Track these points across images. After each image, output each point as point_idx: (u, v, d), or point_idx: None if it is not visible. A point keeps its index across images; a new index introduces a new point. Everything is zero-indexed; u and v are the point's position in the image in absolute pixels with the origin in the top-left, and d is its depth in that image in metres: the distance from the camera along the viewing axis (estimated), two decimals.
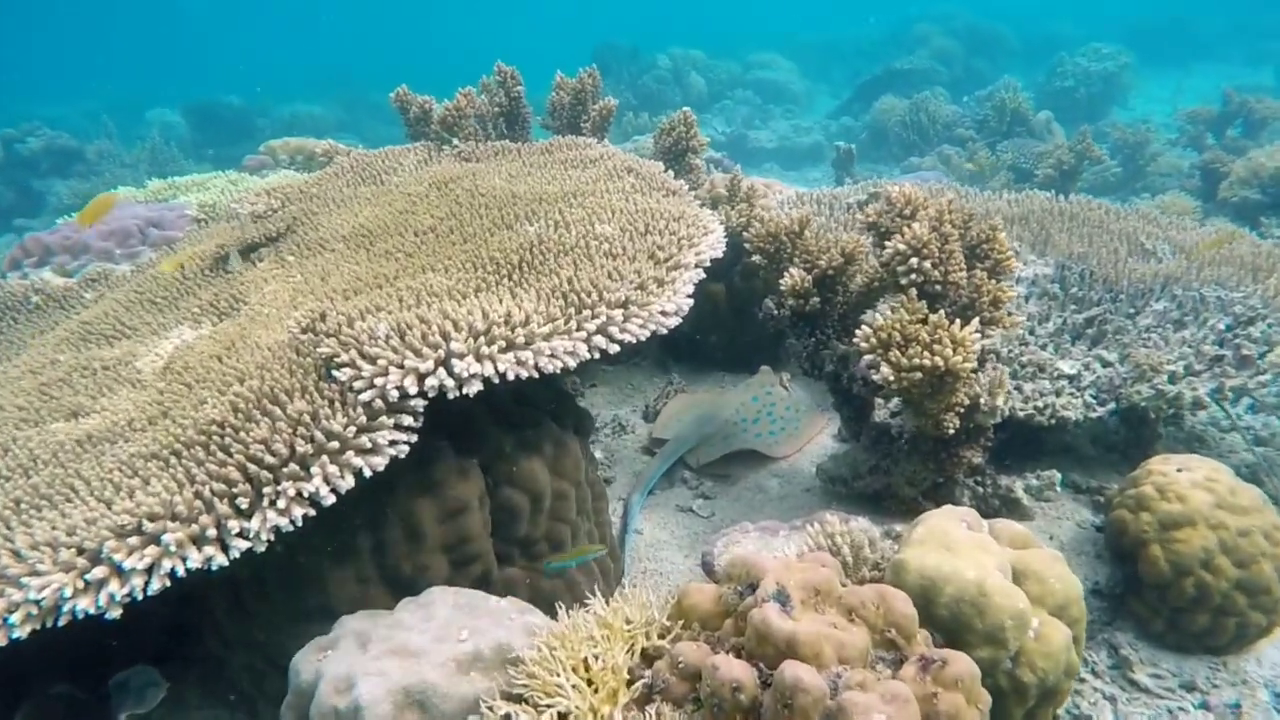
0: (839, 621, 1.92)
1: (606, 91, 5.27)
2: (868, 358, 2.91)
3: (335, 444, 2.25)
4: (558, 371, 2.53)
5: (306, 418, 2.29)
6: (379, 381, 2.34)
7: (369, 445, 2.29)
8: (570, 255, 3.04)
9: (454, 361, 2.39)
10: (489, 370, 2.41)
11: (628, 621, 2.12)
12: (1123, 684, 3.04)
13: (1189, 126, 10.72)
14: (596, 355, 2.64)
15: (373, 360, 2.40)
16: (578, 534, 3.00)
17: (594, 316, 2.64)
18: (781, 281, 3.52)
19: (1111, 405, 3.61)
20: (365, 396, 2.33)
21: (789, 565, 2.05)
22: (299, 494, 2.16)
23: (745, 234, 3.90)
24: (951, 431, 3.04)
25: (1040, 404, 3.48)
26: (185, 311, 3.55)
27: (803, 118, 16.71)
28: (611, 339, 2.65)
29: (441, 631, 2.21)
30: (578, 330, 2.60)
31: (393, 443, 2.34)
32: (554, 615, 2.28)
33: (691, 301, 2.98)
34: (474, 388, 2.40)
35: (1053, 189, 5.73)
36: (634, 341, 2.70)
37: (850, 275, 3.51)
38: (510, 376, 2.45)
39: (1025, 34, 21.17)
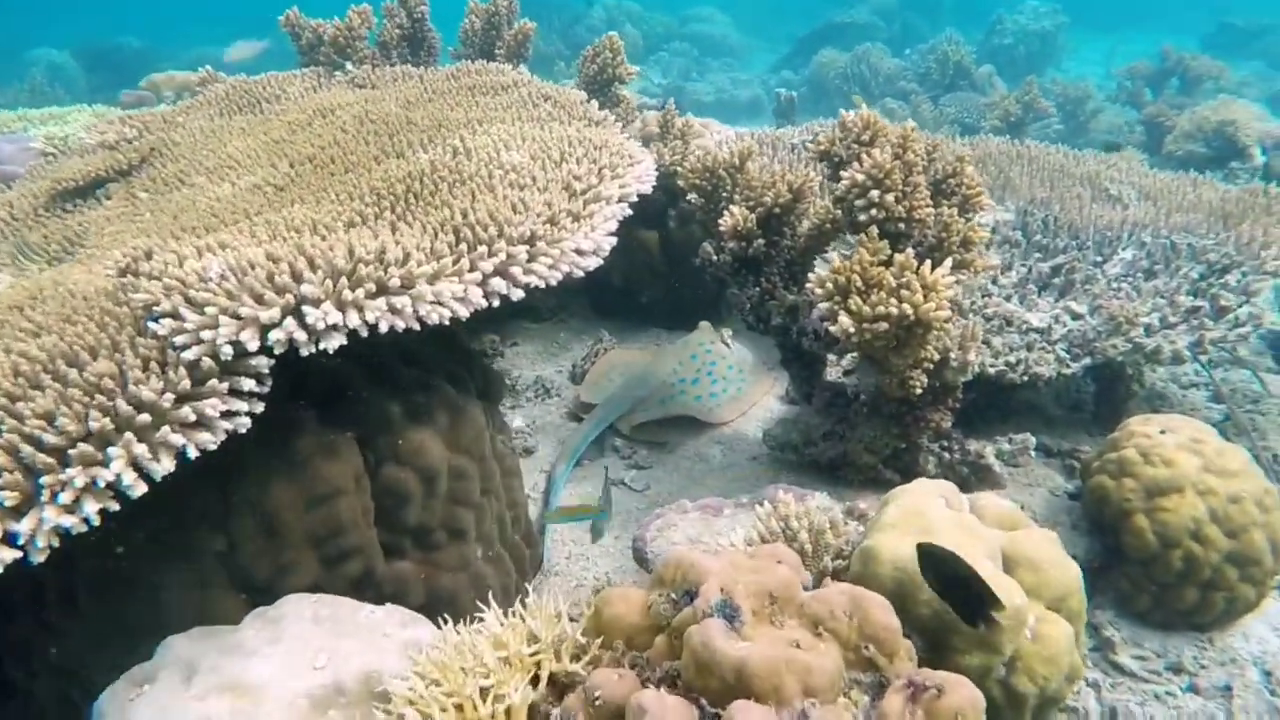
0: (803, 638, 1.48)
1: (537, 41, 4.71)
2: (822, 306, 2.46)
3: (146, 417, 1.71)
4: (445, 322, 2.02)
5: (109, 383, 1.74)
6: (207, 335, 1.80)
7: (193, 418, 1.75)
8: (468, 186, 2.52)
9: (307, 309, 1.86)
10: (354, 320, 1.89)
11: (532, 639, 1.64)
12: (1105, 668, 2.72)
13: (1128, 82, 10.54)
14: (495, 302, 2.14)
15: (201, 308, 1.85)
16: (483, 518, 2.51)
17: (491, 254, 2.14)
18: (720, 221, 3.05)
19: (1086, 360, 3.24)
20: (190, 355, 1.80)
21: (736, 564, 1.60)
22: (91, 484, 1.62)
23: (679, 169, 3.41)
24: (919, 391, 2.63)
25: (1012, 359, 3.09)
26: (4, 256, 2.93)
27: (741, 71, 16.20)
28: (514, 282, 2.15)
29: (293, 656, 1.71)
30: (470, 271, 2.09)
31: (229, 414, 1.82)
32: (458, 620, 1.80)
33: (614, 240, 2.49)
34: (334, 342, 1.88)
35: None
36: (542, 286, 2.21)
37: (798, 215, 3.05)
38: (384, 328, 1.93)
39: None
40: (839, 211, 3.00)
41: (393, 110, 3.38)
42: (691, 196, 3.32)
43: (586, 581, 2.91)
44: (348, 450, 2.19)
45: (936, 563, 1.69)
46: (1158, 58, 11.02)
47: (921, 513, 2.00)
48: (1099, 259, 3.82)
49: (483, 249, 2.12)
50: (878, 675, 1.48)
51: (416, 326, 1.99)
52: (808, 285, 2.50)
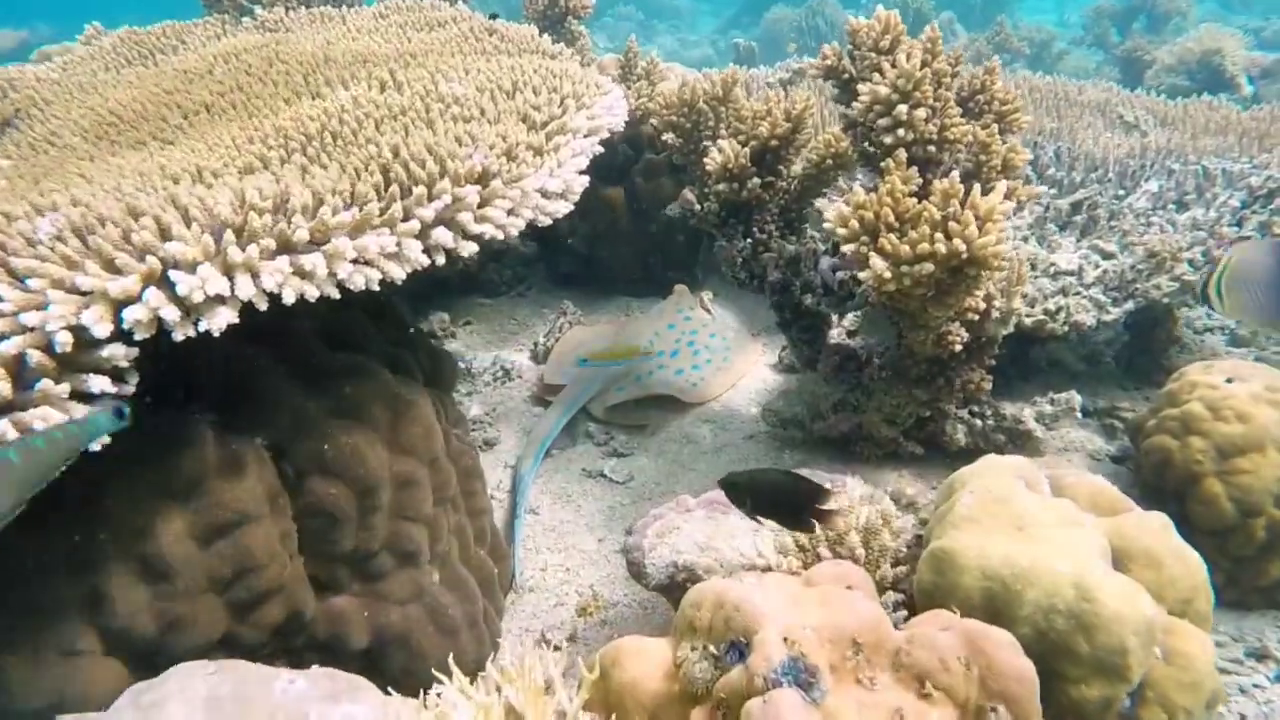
0: (907, 703, 1.02)
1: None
2: (847, 248, 2.00)
3: None
4: (374, 287, 1.52)
5: None
6: (33, 319, 1.28)
7: (14, 435, 1.24)
8: (400, 121, 2.01)
9: (178, 276, 1.35)
10: (246, 289, 1.38)
11: (512, 716, 1.17)
12: None
13: (1094, 23, 10.21)
14: (440, 259, 1.65)
15: (23, 281, 1.33)
16: (439, 533, 2.02)
17: (432, 198, 1.64)
18: (707, 160, 2.57)
19: (1129, 305, 2.84)
20: (8, 348, 1.27)
21: (795, 597, 1.14)
22: None
23: (650, 106, 2.92)
24: (959, 348, 2.19)
25: (1051, 306, 2.67)
26: None
27: (689, 33, 15.68)
28: (463, 233, 1.66)
29: None
30: (405, 220, 1.59)
31: None
32: (413, 669, 1.32)
33: (585, 182, 2.00)
34: (221, 320, 1.37)
35: None
36: (500, 238, 1.72)
37: (796, 148, 2.59)
38: (289, 297, 1.43)
39: None
40: (847, 143, 2.53)
41: (308, 49, 2.83)
42: (667, 137, 2.83)
43: (568, 598, 2.44)
44: (257, 463, 1.69)
45: (742, 490, 1.55)
46: None
47: (1005, 500, 1.56)
48: (1121, 192, 3.42)
49: (420, 191, 1.62)
50: None
51: (335, 294, 1.49)
52: (825, 224, 2.03)
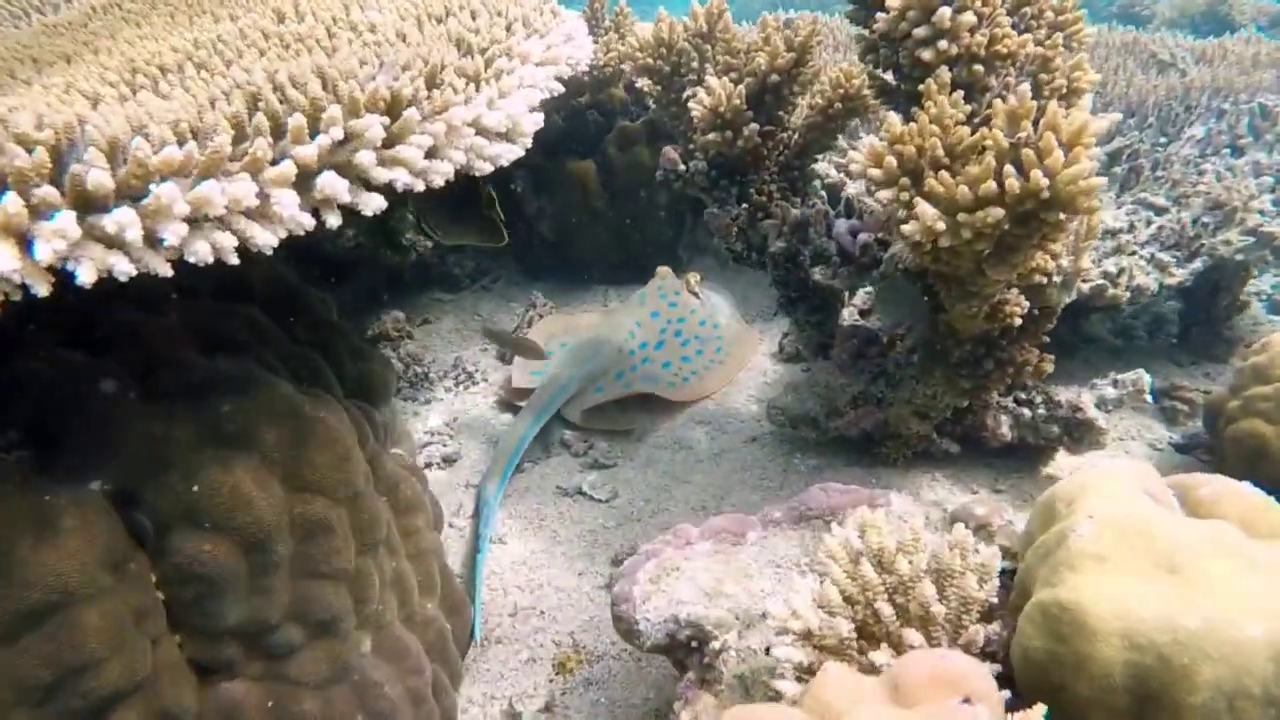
0: None
1: None
2: (883, 195, 1.53)
3: None
4: (229, 259, 1.04)
5: None
6: None
7: None
8: (295, 49, 1.53)
9: None
10: (8, 263, 0.89)
11: None
12: None
13: None
14: (333, 219, 1.17)
15: None
16: (366, 589, 1.54)
17: (318, 130, 1.15)
18: (693, 105, 2.11)
19: (1196, 264, 2.40)
20: None
21: None
22: None
23: (621, 49, 2.45)
24: (1019, 320, 1.74)
25: (1111, 268, 2.23)
26: None
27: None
28: (363, 179, 1.18)
29: None
30: (275, 163, 1.10)
31: None
32: None
33: (539, 121, 1.53)
34: None
35: None
36: (419, 188, 1.24)
37: (803, 84, 2.12)
38: (86, 278, 0.95)
39: None
40: (860, 80, 2.08)
41: None
42: (643, 83, 2.35)
43: (543, 651, 1.96)
44: (90, 517, 1.21)
45: None
46: None
47: (1144, 528, 1.10)
48: (1163, 139, 2.98)
49: (298, 122, 1.13)
50: None
51: (164, 269, 1.01)
52: (853, 165, 1.57)
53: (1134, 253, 2.39)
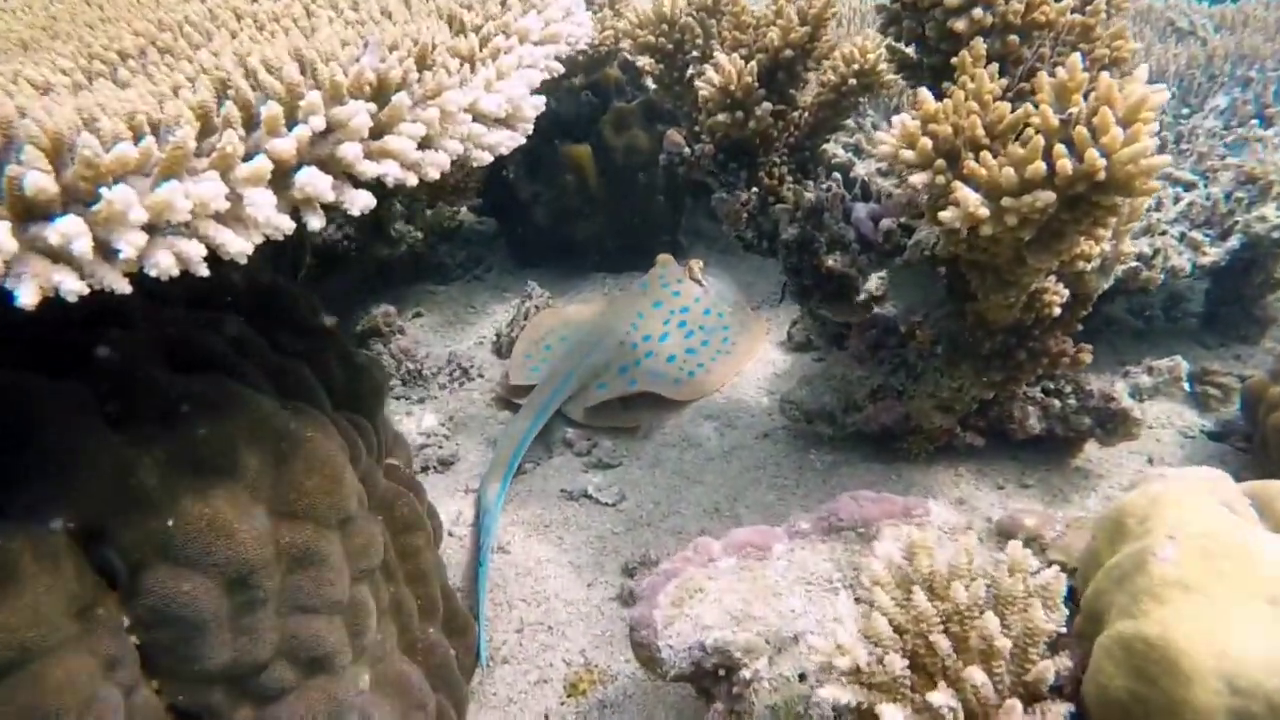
0: None
1: None
2: (918, 179, 1.40)
3: None
4: (198, 271, 0.91)
5: None
6: None
7: None
8: (269, 30, 1.39)
9: None
10: None
11: None
12: None
13: None
14: (316, 221, 1.03)
15: None
16: (363, 621, 1.42)
17: (298, 120, 1.02)
18: (700, 84, 1.97)
19: (1232, 242, 2.28)
20: None
21: None
22: None
23: (619, 26, 2.31)
24: (1058, 310, 1.62)
25: (1145, 249, 2.11)
26: None
27: None
28: (349, 174, 1.05)
29: None
30: (247, 159, 0.97)
31: None
32: None
33: (540, 104, 1.40)
34: None
35: None
36: (411, 182, 1.10)
37: (817, 59, 1.99)
38: (27, 298, 0.81)
39: None
40: (875, 55, 1.94)
41: None
42: (643, 61, 2.21)
43: (553, 670, 1.85)
44: (50, 559, 1.08)
45: None
46: None
47: (1234, 550, 0.99)
48: (1185, 110, 2.86)
49: (273, 111, 1.00)
50: None
51: (123, 285, 0.87)
52: (882, 146, 1.44)
53: (1164, 232, 2.27)
